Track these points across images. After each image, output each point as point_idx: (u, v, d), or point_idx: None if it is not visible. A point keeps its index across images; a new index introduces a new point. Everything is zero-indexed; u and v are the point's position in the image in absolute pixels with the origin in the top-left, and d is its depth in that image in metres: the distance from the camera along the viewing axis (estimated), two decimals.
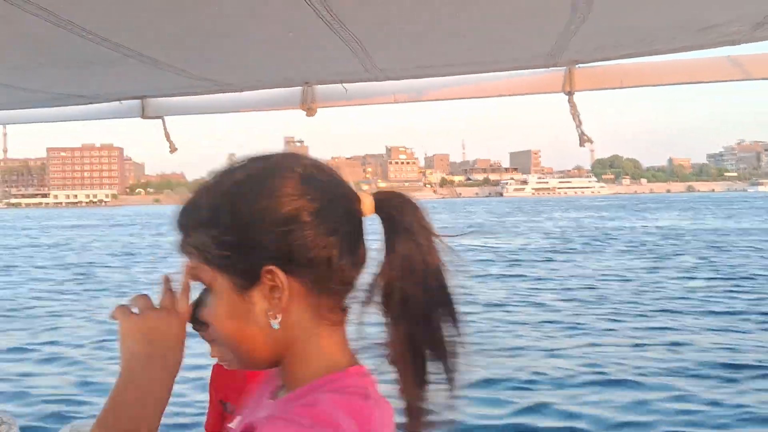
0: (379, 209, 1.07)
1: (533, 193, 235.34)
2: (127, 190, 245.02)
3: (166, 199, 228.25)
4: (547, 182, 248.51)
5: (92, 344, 14.16)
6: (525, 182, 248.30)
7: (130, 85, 2.64)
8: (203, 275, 1.02)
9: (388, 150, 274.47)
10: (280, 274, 0.97)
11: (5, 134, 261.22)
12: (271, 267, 0.97)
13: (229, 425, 2.38)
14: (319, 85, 2.67)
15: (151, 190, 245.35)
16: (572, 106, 2.28)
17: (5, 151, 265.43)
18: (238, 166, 1.07)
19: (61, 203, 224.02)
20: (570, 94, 2.27)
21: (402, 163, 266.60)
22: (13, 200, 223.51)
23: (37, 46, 1.95)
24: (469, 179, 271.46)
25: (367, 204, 1.07)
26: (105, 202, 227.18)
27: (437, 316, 1.02)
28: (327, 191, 1.04)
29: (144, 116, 2.82)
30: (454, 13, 1.72)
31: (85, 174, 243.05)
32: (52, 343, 14.49)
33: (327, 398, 0.95)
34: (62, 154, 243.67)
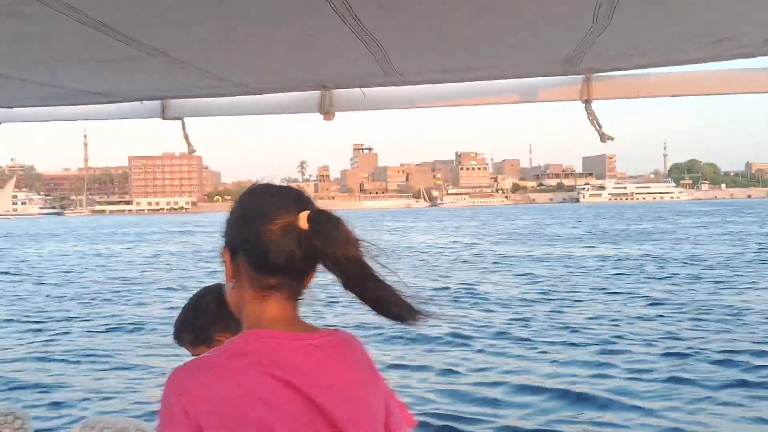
0: (311, 221, 1.41)
1: (610, 199, 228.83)
2: (205, 197, 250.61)
3: None
4: (625, 187, 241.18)
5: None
6: (602, 187, 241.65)
7: (151, 86, 2.67)
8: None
9: (458, 155, 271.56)
10: (227, 255, 1.47)
11: (86, 144, 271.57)
12: (224, 250, 1.48)
13: None
14: (337, 90, 2.62)
15: (228, 197, 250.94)
16: (590, 113, 2.22)
17: (86, 160, 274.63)
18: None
19: (143, 210, 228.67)
20: (587, 102, 2.20)
21: (473, 168, 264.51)
22: (98, 207, 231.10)
23: (60, 44, 1.98)
24: (541, 185, 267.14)
25: (303, 219, 1.41)
26: (185, 209, 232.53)
27: (369, 288, 1.42)
28: (273, 211, 1.42)
29: (164, 117, 2.83)
30: (474, 19, 1.75)
31: (166, 182, 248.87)
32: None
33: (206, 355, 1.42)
34: (143, 162, 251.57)
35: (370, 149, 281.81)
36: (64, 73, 2.44)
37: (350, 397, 1.41)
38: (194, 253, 44.39)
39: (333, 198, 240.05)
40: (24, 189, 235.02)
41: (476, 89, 2.45)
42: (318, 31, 1.83)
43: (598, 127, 2.31)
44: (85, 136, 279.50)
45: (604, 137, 2.36)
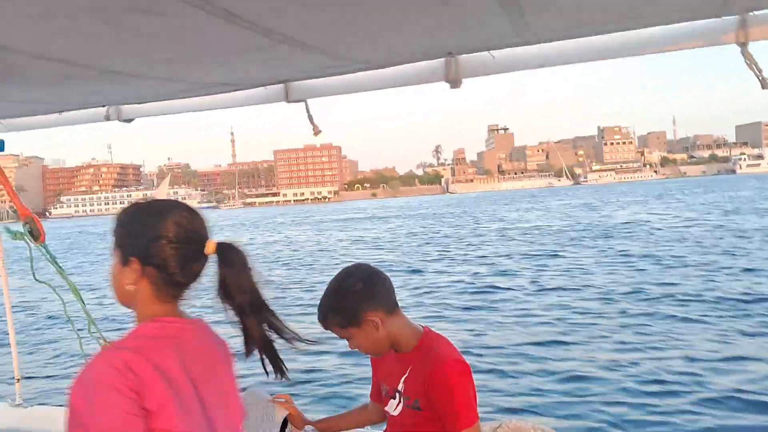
0: (218, 251, 1.69)
1: None
2: (346, 186, 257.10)
3: (383, 193, 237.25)
4: None
5: None
6: (760, 157, 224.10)
7: (273, 70, 2.65)
8: None
9: (601, 130, 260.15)
10: (137, 265, 1.64)
11: (233, 141, 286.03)
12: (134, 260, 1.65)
13: (386, 408, 2.27)
14: (463, 55, 2.47)
15: (368, 185, 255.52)
16: (747, 56, 1.94)
17: (234, 156, 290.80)
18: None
19: (289, 201, 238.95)
20: (743, 45, 1.92)
21: (617, 143, 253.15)
22: (248, 200, 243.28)
23: (191, 38, 2.00)
24: (692, 157, 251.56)
25: (210, 247, 1.69)
26: (328, 198, 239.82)
27: (261, 316, 1.74)
28: (184, 234, 1.66)
29: (288, 100, 2.81)
30: None
31: (309, 173, 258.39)
32: None
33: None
34: (287, 155, 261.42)
35: (505, 129, 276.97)
36: (190, 67, 2.48)
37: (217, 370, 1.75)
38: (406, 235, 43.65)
39: (471, 181, 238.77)
40: (183, 186, 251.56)
41: (615, 41, 2.22)
42: None
43: (757, 71, 2.03)
44: (231, 134, 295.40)
45: (765, 82, 2.09)
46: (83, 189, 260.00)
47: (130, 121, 3.13)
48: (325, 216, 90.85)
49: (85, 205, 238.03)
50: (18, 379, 4.04)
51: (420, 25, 2.11)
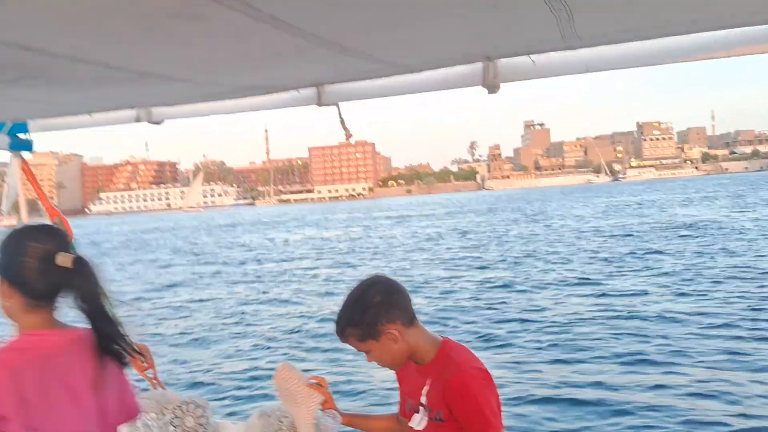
0: (74, 263, 1.90)
1: None
2: (380, 183, 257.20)
3: (417, 190, 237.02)
4: None
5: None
6: None
7: (308, 73, 2.61)
8: None
9: (640, 126, 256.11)
10: (4, 285, 1.92)
11: (267, 138, 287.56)
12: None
13: (410, 424, 2.22)
14: (502, 59, 2.39)
15: (402, 182, 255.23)
16: None
17: (268, 152, 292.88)
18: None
19: (324, 198, 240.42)
20: None
21: (656, 139, 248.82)
22: (283, 197, 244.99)
23: (227, 42, 1.98)
24: (733, 153, 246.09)
25: (68, 261, 1.89)
26: (363, 195, 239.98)
27: (100, 324, 1.97)
28: (40, 253, 1.89)
29: (320, 104, 2.77)
30: None
31: (343, 170, 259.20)
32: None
33: None
34: (322, 151, 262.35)
35: (541, 125, 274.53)
36: (224, 70, 2.47)
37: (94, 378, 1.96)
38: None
39: (508, 177, 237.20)
40: (219, 183, 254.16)
41: (660, 46, 2.12)
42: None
43: None
44: (266, 131, 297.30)
45: None
46: (121, 186, 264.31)
47: (159, 123, 3.11)
48: (382, 212, 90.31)
49: (124, 202, 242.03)
50: None
51: (461, 29, 2.06)
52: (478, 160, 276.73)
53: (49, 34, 1.77)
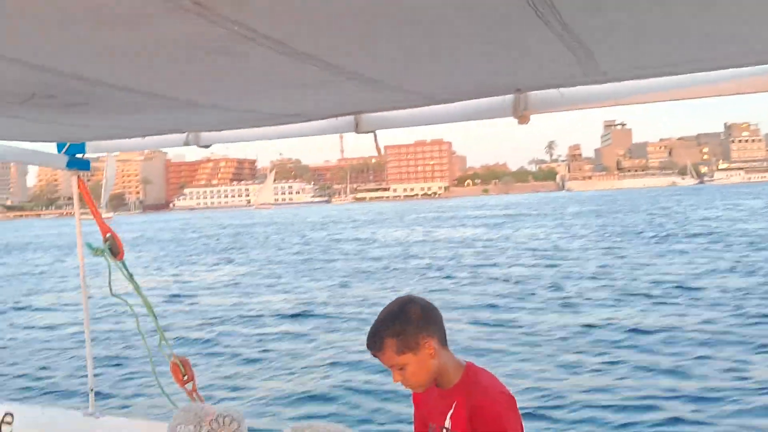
0: None
1: None
2: (455, 182, 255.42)
3: (494, 189, 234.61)
4: None
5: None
6: None
7: (344, 103, 2.69)
8: None
9: (728, 127, 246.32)
10: None
11: (342, 137, 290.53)
12: None
13: None
14: (532, 92, 2.41)
15: (478, 181, 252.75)
16: None
17: (342, 151, 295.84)
18: None
19: (399, 196, 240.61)
20: None
21: (745, 141, 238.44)
22: (359, 195, 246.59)
23: (266, 74, 2.07)
24: None
25: None
26: (438, 194, 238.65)
27: None
28: None
29: (358, 131, 2.81)
30: (692, 13, 1.57)
31: (419, 168, 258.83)
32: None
33: None
34: (398, 150, 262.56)
35: (623, 125, 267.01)
36: (264, 100, 2.55)
37: None
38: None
39: (589, 178, 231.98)
40: (297, 180, 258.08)
41: (689, 81, 2.10)
42: (517, 39, 1.74)
43: None
44: (341, 136, 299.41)
45: None
46: (203, 182, 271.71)
47: (207, 146, 3.24)
48: (474, 211, 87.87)
49: (206, 198, 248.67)
50: (91, 390, 4.23)
51: (488, 63, 2.09)
52: (556, 161, 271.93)
53: (101, 65, 1.88)
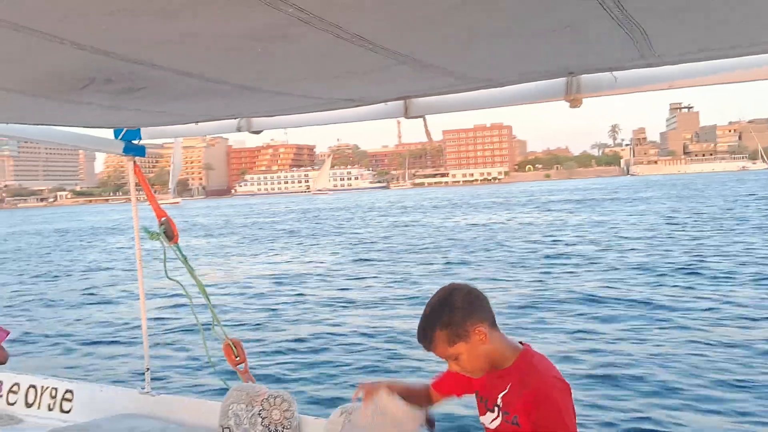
0: None
1: None
2: (515, 167, 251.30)
3: (556, 174, 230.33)
4: None
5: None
6: None
7: (395, 87, 2.69)
8: None
9: None
10: None
11: (399, 122, 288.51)
12: None
13: (482, 419, 2.36)
14: (584, 75, 2.37)
15: (539, 166, 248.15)
16: None
17: (399, 136, 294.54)
18: None
19: (458, 182, 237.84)
20: None
21: None
22: (417, 180, 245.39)
23: (319, 59, 2.09)
24: None
25: None
26: (498, 179, 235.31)
27: None
28: None
29: (407, 116, 2.81)
30: None
31: (478, 153, 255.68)
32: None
33: None
34: (456, 135, 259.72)
35: (690, 108, 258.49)
36: (316, 85, 2.58)
37: None
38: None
39: (655, 162, 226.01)
40: (356, 166, 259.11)
41: (745, 64, 2.02)
42: (571, 20, 1.73)
43: None
44: (398, 121, 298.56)
45: None
46: (263, 168, 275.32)
47: (258, 132, 3.28)
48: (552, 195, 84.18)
49: (266, 184, 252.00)
50: (147, 369, 4.38)
51: (541, 46, 2.07)
52: (619, 145, 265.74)
53: (159, 51, 1.94)
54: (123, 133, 3.81)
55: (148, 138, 3.81)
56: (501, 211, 55.90)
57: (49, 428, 3.49)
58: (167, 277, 3.80)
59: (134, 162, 3.99)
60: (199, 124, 3.38)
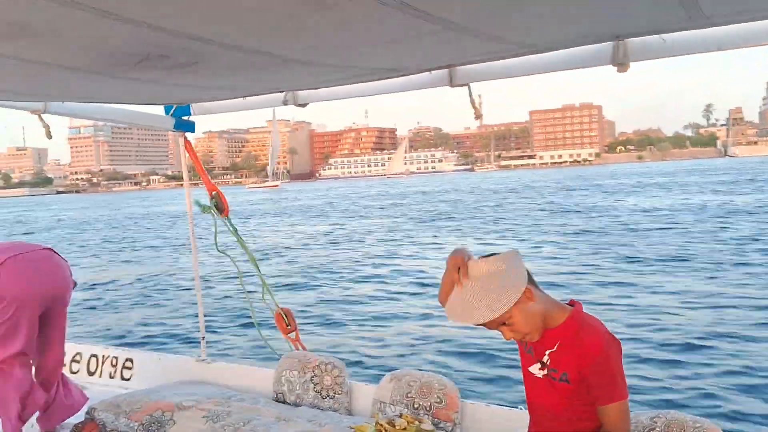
0: None
1: None
2: (605, 148, 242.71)
3: (650, 156, 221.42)
4: None
5: None
6: None
7: (439, 56, 2.66)
8: None
9: None
10: None
11: (480, 103, 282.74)
12: None
13: (529, 369, 2.34)
14: (632, 39, 2.29)
15: (631, 147, 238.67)
16: None
17: (480, 117, 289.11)
18: None
19: (546, 164, 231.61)
20: None
21: None
22: (503, 162, 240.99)
23: (363, 27, 2.10)
24: None
25: None
26: (588, 161, 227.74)
27: None
28: None
29: (452, 84, 2.79)
30: None
31: (567, 134, 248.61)
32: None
33: None
34: (543, 116, 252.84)
35: None
36: (360, 54, 2.57)
37: None
38: None
39: (755, 143, 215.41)
40: (440, 148, 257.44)
41: None
42: None
43: None
44: (479, 96, 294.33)
45: None
46: (345, 152, 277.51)
47: (304, 105, 3.31)
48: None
49: (350, 167, 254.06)
50: (203, 337, 4.51)
51: (588, 9, 2.01)
52: (714, 124, 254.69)
53: (211, 24, 1.98)
54: (173, 109, 3.92)
55: (198, 113, 3.89)
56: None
57: (111, 395, 3.64)
58: (217, 249, 3.91)
59: (185, 138, 4.09)
60: (246, 98, 3.44)
